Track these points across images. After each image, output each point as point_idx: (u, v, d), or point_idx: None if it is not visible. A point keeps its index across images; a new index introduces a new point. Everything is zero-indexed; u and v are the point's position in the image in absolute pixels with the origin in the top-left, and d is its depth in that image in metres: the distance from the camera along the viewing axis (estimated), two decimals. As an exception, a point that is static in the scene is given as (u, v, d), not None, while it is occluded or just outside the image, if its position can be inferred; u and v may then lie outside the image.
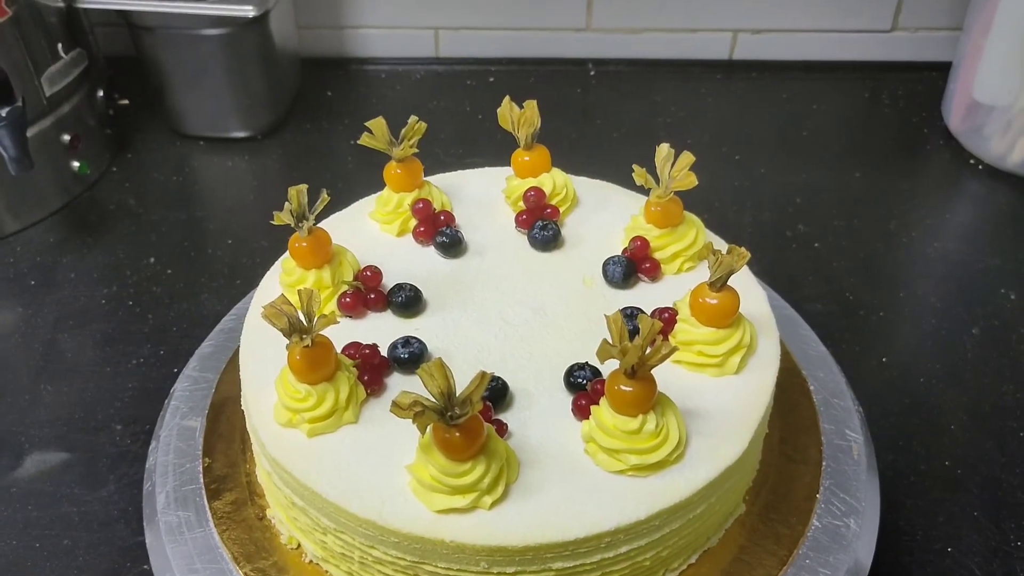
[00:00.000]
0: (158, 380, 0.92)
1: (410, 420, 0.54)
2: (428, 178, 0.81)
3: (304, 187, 0.68)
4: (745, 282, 0.71)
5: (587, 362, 0.65)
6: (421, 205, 0.78)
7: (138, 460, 0.84)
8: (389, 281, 0.73)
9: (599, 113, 1.34)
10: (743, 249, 0.63)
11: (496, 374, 0.64)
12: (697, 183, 0.70)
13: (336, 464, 0.61)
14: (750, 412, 0.64)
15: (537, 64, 1.42)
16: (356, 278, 0.72)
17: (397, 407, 0.54)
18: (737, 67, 1.42)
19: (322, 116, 1.32)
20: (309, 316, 0.60)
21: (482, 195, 0.83)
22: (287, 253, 0.71)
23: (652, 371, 0.58)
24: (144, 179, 1.21)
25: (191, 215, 1.16)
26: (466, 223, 0.79)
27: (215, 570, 0.66)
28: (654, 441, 0.59)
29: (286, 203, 0.68)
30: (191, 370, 0.81)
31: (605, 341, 0.57)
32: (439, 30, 1.40)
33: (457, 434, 0.55)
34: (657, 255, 0.74)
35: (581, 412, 0.62)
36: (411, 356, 0.66)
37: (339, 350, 0.64)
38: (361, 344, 0.67)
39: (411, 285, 0.72)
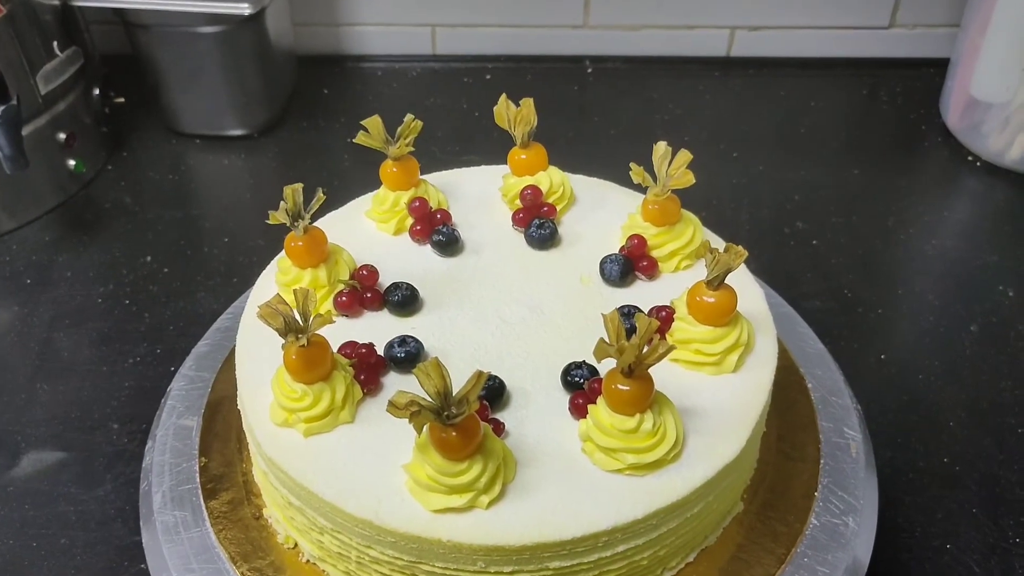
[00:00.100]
0: (154, 379, 0.92)
1: (406, 420, 0.54)
2: (424, 176, 0.81)
3: (300, 186, 0.68)
4: (742, 280, 0.71)
5: (584, 361, 0.65)
6: (417, 204, 0.78)
7: (135, 459, 0.84)
8: (385, 280, 0.73)
9: (596, 111, 1.34)
10: (740, 247, 0.63)
11: (493, 373, 0.64)
12: (694, 181, 0.70)
13: (332, 464, 0.61)
14: (748, 410, 0.64)
15: (534, 61, 1.41)
16: (352, 277, 0.72)
17: (393, 407, 0.54)
18: (735, 64, 1.42)
19: (318, 114, 1.32)
20: (305, 315, 0.60)
21: (479, 193, 0.82)
22: (283, 252, 0.71)
23: (649, 370, 0.58)
24: (140, 177, 1.21)
25: (187, 213, 1.15)
26: (463, 221, 0.79)
27: (212, 570, 0.66)
28: (651, 440, 0.59)
29: (281, 202, 0.68)
30: (187, 369, 0.81)
31: (602, 340, 0.57)
32: (436, 27, 1.40)
33: (454, 433, 0.55)
34: (654, 253, 0.74)
35: (578, 411, 0.62)
36: (407, 355, 0.66)
37: (335, 349, 0.64)
38: (357, 343, 0.67)
39: (407, 284, 0.72)
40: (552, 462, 0.61)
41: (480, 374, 0.54)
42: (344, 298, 0.70)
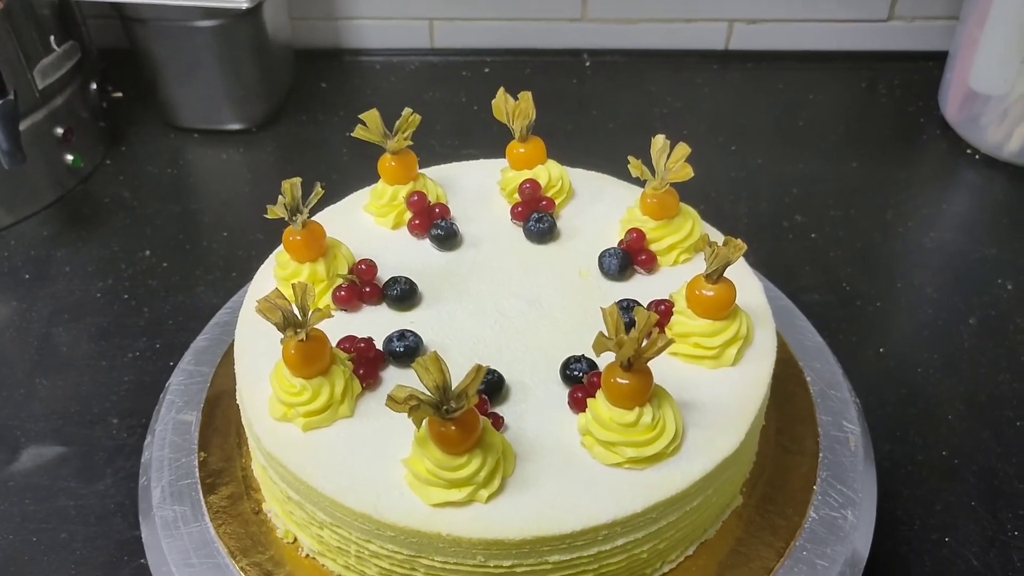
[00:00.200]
0: (154, 374, 0.92)
1: (405, 414, 0.54)
2: (423, 170, 0.81)
3: (298, 180, 0.68)
4: (741, 273, 0.71)
5: (583, 355, 0.65)
6: (416, 198, 0.77)
7: (134, 453, 0.84)
8: (384, 274, 0.73)
9: (595, 104, 1.33)
10: (739, 241, 0.63)
11: (492, 367, 0.64)
12: (693, 174, 0.70)
13: (331, 458, 0.61)
14: (747, 404, 0.64)
15: (532, 55, 1.41)
16: (351, 271, 0.72)
17: (393, 401, 0.54)
18: (733, 57, 1.42)
19: (316, 108, 1.32)
20: (303, 310, 0.60)
21: (477, 187, 0.82)
22: (281, 246, 0.71)
23: (648, 363, 0.58)
24: (138, 172, 1.21)
25: (186, 208, 1.15)
26: (461, 215, 0.79)
27: (211, 564, 0.66)
28: (651, 434, 0.59)
29: (280, 196, 0.67)
30: (186, 364, 0.81)
31: (601, 334, 0.57)
32: (434, 21, 1.40)
33: (453, 428, 0.55)
34: (653, 247, 0.74)
35: (577, 405, 0.62)
36: (406, 349, 0.66)
37: (334, 344, 0.64)
38: (356, 338, 0.67)
39: (406, 278, 0.72)
40: (551, 456, 0.61)
41: (479, 368, 0.54)
42: (343, 292, 0.70)
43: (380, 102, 0.78)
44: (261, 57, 1.23)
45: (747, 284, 0.71)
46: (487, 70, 1.39)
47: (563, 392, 0.64)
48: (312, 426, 0.62)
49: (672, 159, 0.71)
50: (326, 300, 0.71)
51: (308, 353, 0.61)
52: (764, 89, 1.36)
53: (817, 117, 1.31)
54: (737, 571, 0.65)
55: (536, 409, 0.64)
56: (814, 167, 1.21)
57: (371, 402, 0.64)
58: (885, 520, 0.73)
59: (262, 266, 0.75)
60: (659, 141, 0.71)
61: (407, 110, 0.76)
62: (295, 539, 0.67)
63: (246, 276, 0.77)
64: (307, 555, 0.67)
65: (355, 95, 1.35)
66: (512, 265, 0.75)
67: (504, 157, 0.81)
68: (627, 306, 0.68)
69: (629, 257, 0.73)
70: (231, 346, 0.71)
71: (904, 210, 1.14)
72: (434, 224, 0.76)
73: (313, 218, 0.70)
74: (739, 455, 0.63)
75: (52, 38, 1.10)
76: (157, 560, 0.67)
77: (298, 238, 0.69)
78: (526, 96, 0.77)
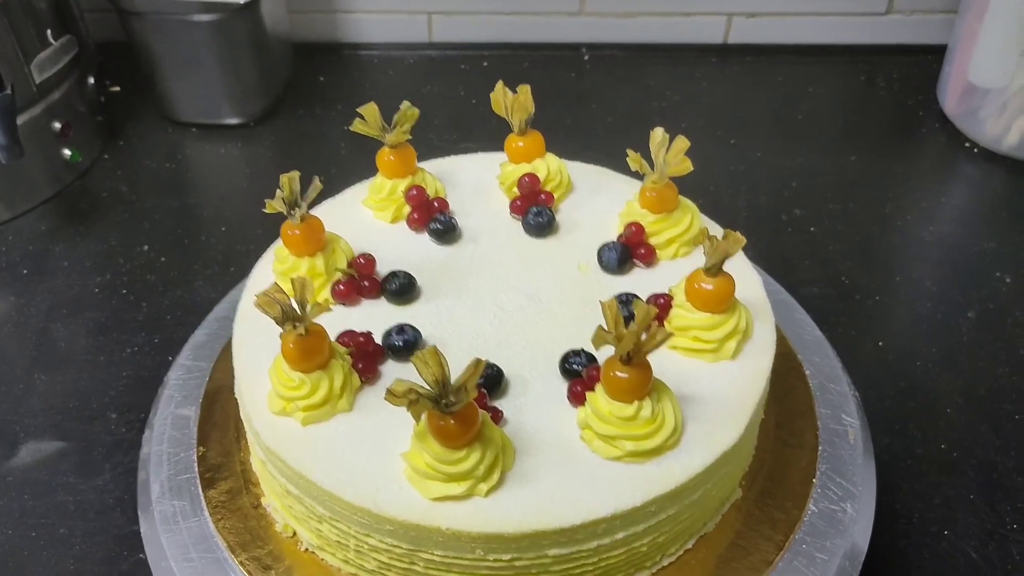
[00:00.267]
0: (152, 368, 0.92)
1: (405, 408, 0.54)
2: (421, 164, 0.80)
3: (296, 174, 0.68)
4: (740, 267, 0.71)
5: (582, 348, 0.65)
6: (415, 192, 0.77)
7: (133, 448, 0.83)
8: (383, 268, 0.73)
9: (593, 98, 1.33)
10: (738, 234, 0.63)
11: (491, 361, 0.64)
12: (692, 168, 0.70)
13: (331, 452, 0.61)
14: (746, 398, 0.64)
15: (531, 49, 1.41)
16: (350, 265, 0.72)
17: (392, 395, 0.54)
18: (732, 51, 1.41)
19: (315, 102, 1.31)
20: (302, 304, 0.60)
21: (476, 181, 0.82)
22: (280, 241, 0.71)
23: (647, 357, 0.58)
24: (136, 166, 1.20)
25: (184, 202, 1.15)
26: (460, 209, 0.79)
27: (210, 559, 0.66)
28: (650, 427, 0.59)
29: (278, 190, 0.67)
30: (185, 358, 0.81)
31: (600, 327, 0.57)
32: (432, 15, 1.39)
33: (452, 422, 0.55)
34: (652, 241, 0.74)
35: (577, 399, 0.62)
36: (405, 344, 0.66)
37: (333, 338, 0.64)
38: (355, 332, 0.67)
39: (405, 272, 0.72)
40: (550, 450, 0.61)
41: (478, 362, 0.54)
42: (341, 286, 0.70)
43: (378, 96, 0.77)
44: (259, 51, 1.23)
45: (746, 278, 0.71)
46: (485, 64, 1.39)
47: (562, 386, 0.64)
48: (311, 420, 0.62)
49: (671, 153, 0.71)
50: (325, 294, 0.70)
51: (307, 347, 0.61)
52: (763, 83, 1.36)
53: (816, 110, 1.31)
54: (736, 564, 0.66)
55: (535, 403, 0.64)
56: (813, 161, 1.21)
57: (370, 396, 0.64)
58: (884, 513, 0.73)
59: (260, 260, 0.75)
60: (658, 135, 0.71)
61: (405, 104, 0.76)
62: (294, 533, 0.68)
63: (244, 271, 0.77)
64: (306, 549, 0.67)
65: (353, 89, 1.35)
66: (511, 259, 0.75)
67: (503, 151, 0.81)
68: (626, 300, 0.68)
69: (628, 251, 0.73)
70: (230, 341, 0.70)
71: (903, 203, 1.14)
72: (433, 218, 0.76)
73: (312, 212, 0.70)
74: (738, 449, 0.63)
75: (49, 32, 1.10)
76: (156, 555, 0.67)
77: (297, 232, 0.69)
78: (525, 90, 0.77)
